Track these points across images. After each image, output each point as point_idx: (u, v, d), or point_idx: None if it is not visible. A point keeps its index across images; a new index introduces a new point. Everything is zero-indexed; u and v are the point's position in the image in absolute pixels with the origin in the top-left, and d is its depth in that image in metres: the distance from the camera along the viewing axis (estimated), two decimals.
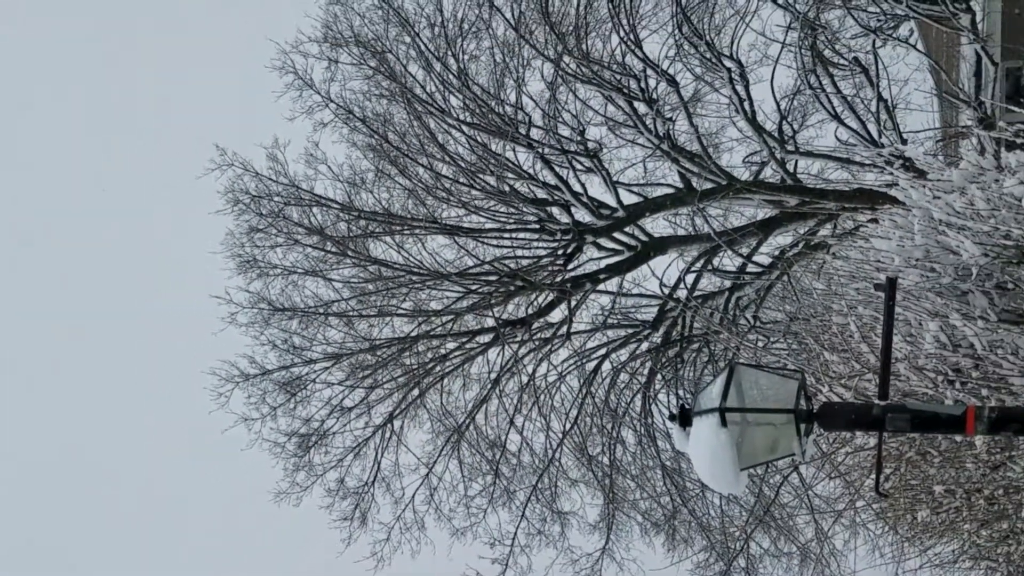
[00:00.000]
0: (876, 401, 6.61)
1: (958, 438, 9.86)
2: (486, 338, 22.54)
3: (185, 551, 32.24)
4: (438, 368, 22.68)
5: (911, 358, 9.56)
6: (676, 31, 19.81)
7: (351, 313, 22.57)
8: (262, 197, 22.00)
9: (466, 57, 21.05)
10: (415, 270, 22.01)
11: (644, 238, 22.12)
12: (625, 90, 20.19)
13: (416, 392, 22.69)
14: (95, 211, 33.75)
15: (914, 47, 18.75)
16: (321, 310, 22.45)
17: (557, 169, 21.44)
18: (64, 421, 32.83)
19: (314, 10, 21.09)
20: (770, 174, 20.79)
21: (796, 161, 20.01)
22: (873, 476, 10.80)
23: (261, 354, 22.60)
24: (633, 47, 19.85)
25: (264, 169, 21.99)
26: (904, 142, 17.63)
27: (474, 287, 22.09)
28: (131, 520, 32.03)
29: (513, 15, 20.43)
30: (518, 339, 22.47)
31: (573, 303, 22.24)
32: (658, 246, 22.22)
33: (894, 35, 18.86)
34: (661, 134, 20.30)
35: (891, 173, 14.96)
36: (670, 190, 21.98)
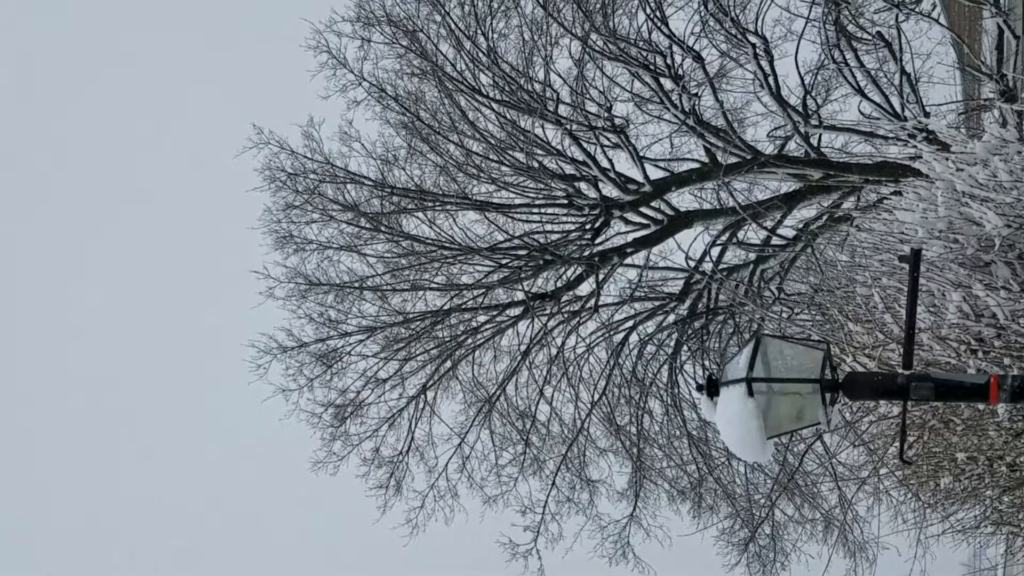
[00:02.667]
0: (900, 371, 6.76)
1: (981, 406, 9.99)
2: (516, 311, 22.91)
3: (221, 519, 32.97)
4: (469, 340, 23.09)
5: (934, 328, 9.81)
6: (702, 8, 19.91)
7: (385, 287, 22.96)
8: (298, 174, 22.39)
9: (495, 35, 21.25)
10: (447, 245, 22.38)
11: (670, 212, 22.36)
12: (651, 67, 20.36)
13: (448, 364, 23.12)
14: (137, 189, 34.34)
15: (937, 21, 18.80)
16: (356, 284, 22.84)
17: (585, 145, 21.66)
18: (107, 393, 33.51)
19: None
20: (794, 148, 20.93)
21: (820, 135, 20.12)
22: (896, 444, 11.14)
23: (298, 327, 23.11)
24: (659, 24, 19.99)
25: (300, 147, 22.38)
26: (927, 115, 17.76)
27: (504, 261, 22.44)
28: (170, 489, 32.73)
29: None
30: (547, 312, 22.83)
31: (601, 276, 22.56)
32: (684, 220, 22.45)
33: (917, 9, 18.89)
34: (687, 109, 20.47)
35: (914, 146, 15.25)
36: (696, 165, 22.18)
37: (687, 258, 22.40)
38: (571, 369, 23.15)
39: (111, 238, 35.71)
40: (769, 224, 21.37)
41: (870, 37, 19.03)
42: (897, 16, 18.13)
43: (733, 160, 20.44)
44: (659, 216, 22.26)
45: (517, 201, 22.74)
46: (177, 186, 34.39)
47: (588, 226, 22.63)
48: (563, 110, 21.71)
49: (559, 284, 22.98)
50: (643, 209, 22.23)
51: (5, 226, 35.34)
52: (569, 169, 22.30)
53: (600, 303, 22.81)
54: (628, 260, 22.94)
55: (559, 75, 21.65)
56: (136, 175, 35.26)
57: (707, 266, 22.22)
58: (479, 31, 21.12)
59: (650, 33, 20.26)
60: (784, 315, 17.14)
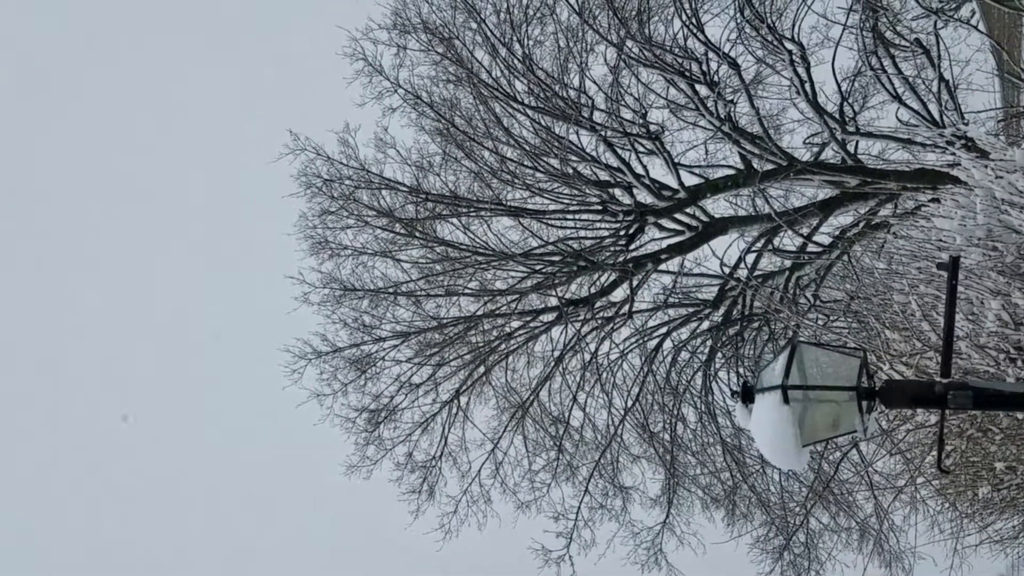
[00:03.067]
0: (938, 379, 6.77)
1: (1019, 415, 9.96)
2: (550, 317, 22.94)
3: (255, 521, 33.20)
4: (503, 346, 23.14)
5: (973, 336, 9.76)
6: (738, 14, 19.88)
7: (419, 293, 23.08)
8: (333, 180, 22.55)
9: (531, 42, 21.33)
10: (481, 251, 22.46)
11: (705, 219, 22.33)
12: (687, 73, 20.36)
13: (481, 369, 23.19)
14: (174, 196, 34.74)
15: (976, 28, 18.72)
16: (390, 290, 22.96)
17: (619, 151, 21.67)
18: (138, 398, 33.87)
19: None
20: (831, 155, 20.84)
21: (857, 142, 20.02)
22: (934, 453, 11.08)
23: (333, 332, 23.26)
24: (695, 31, 19.99)
25: (335, 153, 22.53)
26: (966, 122, 17.62)
27: (538, 267, 22.49)
28: (206, 490, 33.00)
29: (577, 1, 20.71)
30: (581, 318, 22.85)
31: (635, 283, 22.55)
32: (719, 226, 22.41)
33: (956, 16, 18.84)
34: (722, 116, 20.45)
35: (953, 153, 15.14)
36: (731, 171, 22.14)
37: (722, 264, 22.35)
38: (604, 375, 23.16)
39: (147, 243, 36.10)
40: (805, 231, 21.28)
41: (908, 44, 18.94)
42: (935, 23, 18.05)
43: (769, 167, 20.40)
44: (694, 222, 22.23)
45: (551, 207, 22.78)
46: (214, 192, 34.72)
47: (622, 232, 22.63)
48: (598, 116, 21.75)
49: (593, 290, 23.00)
50: (678, 215, 22.21)
51: (48, 234, 35.85)
52: (604, 175, 22.33)
53: (634, 309, 22.79)
54: (662, 266, 22.93)
55: (594, 81, 21.71)
56: (173, 181, 35.67)
57: (742, 273, 22.15)
58: (514, 38, 21.21)
59: (686, 40, 20.28)
60: (820, 322, 17.06)
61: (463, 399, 23.44)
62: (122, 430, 33.13)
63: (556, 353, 23.11)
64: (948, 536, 14.64)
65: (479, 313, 22.84)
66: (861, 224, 20.73)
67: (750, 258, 22.23)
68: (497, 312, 22.93)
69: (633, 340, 23.23)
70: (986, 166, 10.20)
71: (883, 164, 20.46)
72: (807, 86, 19.34)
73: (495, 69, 21.62)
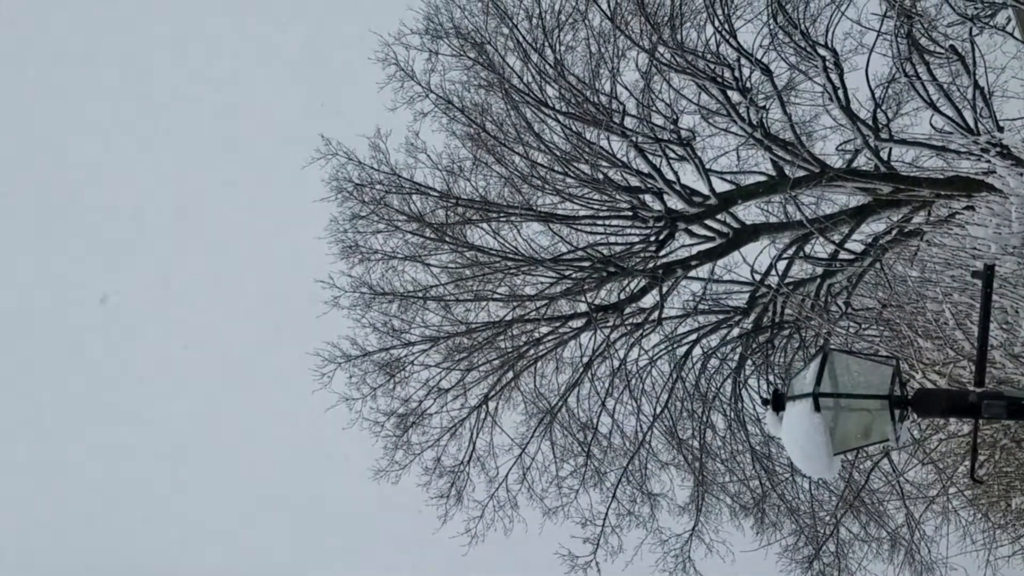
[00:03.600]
0: (972, 388, 6.73)
1: None
2: (579, 323, 22.93)
3: (282, 521, 33.37)
4: (532, 352, 23.15)
5: (1007, 345, 9.70)
6: (771, 20, 19.86)
7: (448, 297, 23.13)
8: (364, 185, 22.68)
9: (562, 48, 21.38)
10: (510, 256, 22.49)
11: (736, 225, 22.26)
12: (719, 79, 20.32)
13: (510, 375, 23.20)
14: (211, 199, 34.97)
15: (1011, 35, 18.57)
16: (420, 294, 23.04)
17: (650, 157, 21.67)
18: (169, 402, 34.14)
19: (417, 2, 21.61)
20: (863, 162, 20.75)
21: (890, 149, 19.92)
22: (967, 463, 11.00)
23: (362, 336, 23.35)
24: (727, 37, 19.96)
25: (367, 158, 22.67)
26: (1001, 130, 17.52)
27: (568, 273, 22.49)
28: (233, 488, 33.21)
29: (609, 6, 20.68)
30: (610, 324, 22.83)
31: (665, 289, 22.51)
32: (750, 233, 22.35)
33: (991, 23, 18.69)
34: (754, 122, 20.40)
35: (988, 161, 15.04)
36: (762, 178, 22.08)
37: (752, 271, 22.27)
38: (633, 382, 23.13)
39: (176, 245, 36.40)
40: (837, 238, 21.18)
41: (943, 51, 18.83)
42: (971, 30, 17.93)
43: (801, 173, 20.32)
44: (724, 229, 22.17)
45: (581, 213, 22.79)
46: (245, 197, 34.97)
47: (652, 238, 22.60)
48: (629, 122, 21.75)
49: (622, 296, 22.98)
50: (708, 222, 22.16)
51: (77, 246, 36.21)
52: (634, 181, 22.31)
53: (664, 316, 22.77)
54: (692, 273, 22.89)
55: (625, 87, 21.74)
56: (206, 185, 35.91)
57: (773, 280, 22.07)
58: (546, 43, 21.26)
59: (718, 46, 20.27)
60: (851, 330, 16.96)
61: (491, 404, 23.47)
62: (131, 432, 33.43)
63: (585, 359, 23.11)
64: (980, 547, 14.55)
65: (508, 318, 22.84)
66: (894, 231, 20.61)
67: (781, 265, 22.16)
68: (526, 318, 22.93)
69: (662, 346, 23.19)
70: (1021, 174, 10.12)
71: (916, 171, 20.37)
72: (840, 92, 19.27)
73: (526, 74, 21.68)
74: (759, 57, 20.03)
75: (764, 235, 22.43)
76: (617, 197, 22.41)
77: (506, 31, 21.44)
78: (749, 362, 23.00)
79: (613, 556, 22.98)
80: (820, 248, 21.95)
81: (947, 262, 11.60)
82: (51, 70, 35.62)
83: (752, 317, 22.63)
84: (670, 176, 21.84)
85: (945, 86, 18.65)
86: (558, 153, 22.00)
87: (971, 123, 17.94)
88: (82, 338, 35.56)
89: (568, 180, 22.43)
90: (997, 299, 9.34)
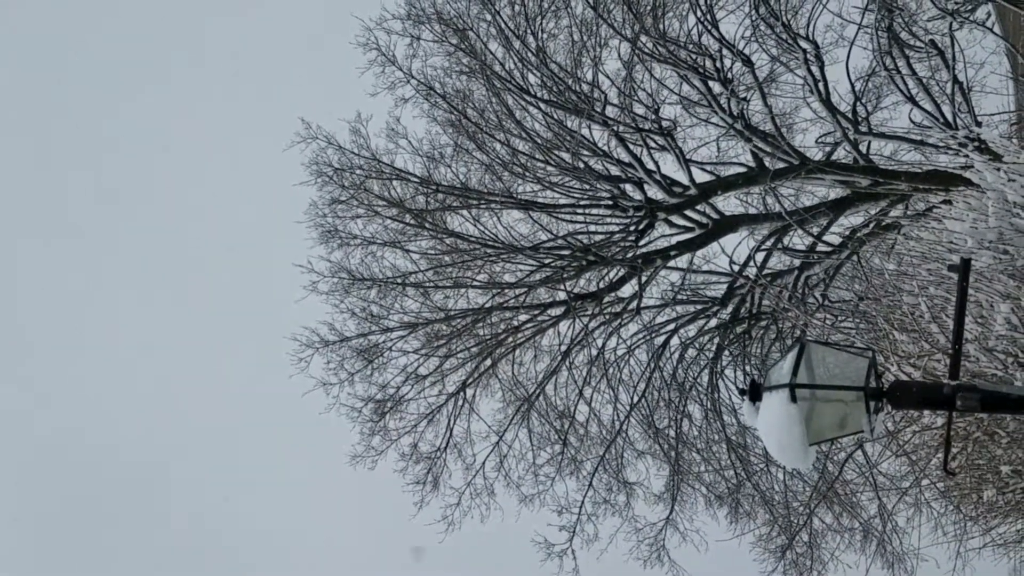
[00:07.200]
0: (946, 381, 6.77)
1: None
2: (558, 311, 22.94)
3: (261, 509, 33.32)
4: (510, 339, 23.15)
5: (982, 339, 9.76)
6: (753, 12, 19.85)
7: (427, 284, 23.08)
8: (344, 170, 22.57)
9: (545, 35, 21.32)
10: (490, 243, 22.46)
11: (715, 216, 22.32)
12: (700, 70, 20.34)
13: (488, 362, 23.20)
14: (187, 184, 34.80)
15: (991, 30, 18.64)
16: (399, 280, 22.98)
17: (631, 147, 21.66)
18: (150, 385, 34.04)
19: None
20: (843, 155, 20.81)
21: (869, 142, 19.99)
22: (940, 455, 11.08)
23: (340, 322, 23.27)
24: (709, 27, 19.97)
25: (347, 143, 22.56)
26: (979, 125, 17.59)
27: (547, 261, 22.49)
28: (212, 478, 33.13)
29: None
30: (589, 313, 22.86)
31: (644, 279, 22.54)
32: (729, 224, 22.40)
33: (971, 18, 18.74)
34: (735, 113, 20.42)
35: (965, 155, 15.14)
36: (742, 169, 22.12)
37: (731, 262, 22.38)
38: (611, 370, 23.18)
39: (155, 232, 36.20)
40: (815, 230, 21.27)
41: (923, 45, 18.89)
42: (951, 24, 17.98)
43: (781, 165, 20.39)
44: (704, 220, 22.22)
45: (562, 201, 22.79)
46: (225, 182, 34.81)
47: (632, 228, 22.63)
48: (610, 111, 21.74)
49: (601, 285, 23.00)
50: (688, 212, 22.20)
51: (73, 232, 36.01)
52: (615, 170, 22.32)
53: (642, 305, 22.82)
54: (671, 263, 22.92)
55: (607, 76, 21.71)
56: (183, 170, 35.74)
57: (751, 271, 22.15)
58: (529, 31, 21.20)
59: (700, 36, 20.26)
60: (828, 322, 17.05)
61: (469, 391, 23.47)
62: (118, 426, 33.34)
63: (563, 347, 23.14)
64: (952, 539, 14.67)
65: (487, 306, 22.84)
66: (872, 225, 20.71)
67: (759, 256, 22.24)
68: (505, 305, 22.93)
69: (640, 336, 23.26)
70: (999, 169, 10.20)
71: (895, 165, 20.43)
72: (821, 85, 19.31)
73: (508, 61, 21.63)
74: (741, 48, 20.05)
75: (743, 226, 22.50)
76: (597, 186, 22.41)
77: (489, 17, 21.37)
78: (726, 352, 23.09)
79: (589, 544, 23.10)
80: (799, 240, 22.04)
81: (924, 256, 11.66)
82: None
83: (730, 308, 22.71)
84: (651, 166, 21.84)
85: (924, 80, 18.71)
86: (539, 141, 21.99)
87: (950, 118, 18.02)
88: (55, 325, 35.46)
89: (549, 168, 22.42)
90: (972, 293, 9.40)
